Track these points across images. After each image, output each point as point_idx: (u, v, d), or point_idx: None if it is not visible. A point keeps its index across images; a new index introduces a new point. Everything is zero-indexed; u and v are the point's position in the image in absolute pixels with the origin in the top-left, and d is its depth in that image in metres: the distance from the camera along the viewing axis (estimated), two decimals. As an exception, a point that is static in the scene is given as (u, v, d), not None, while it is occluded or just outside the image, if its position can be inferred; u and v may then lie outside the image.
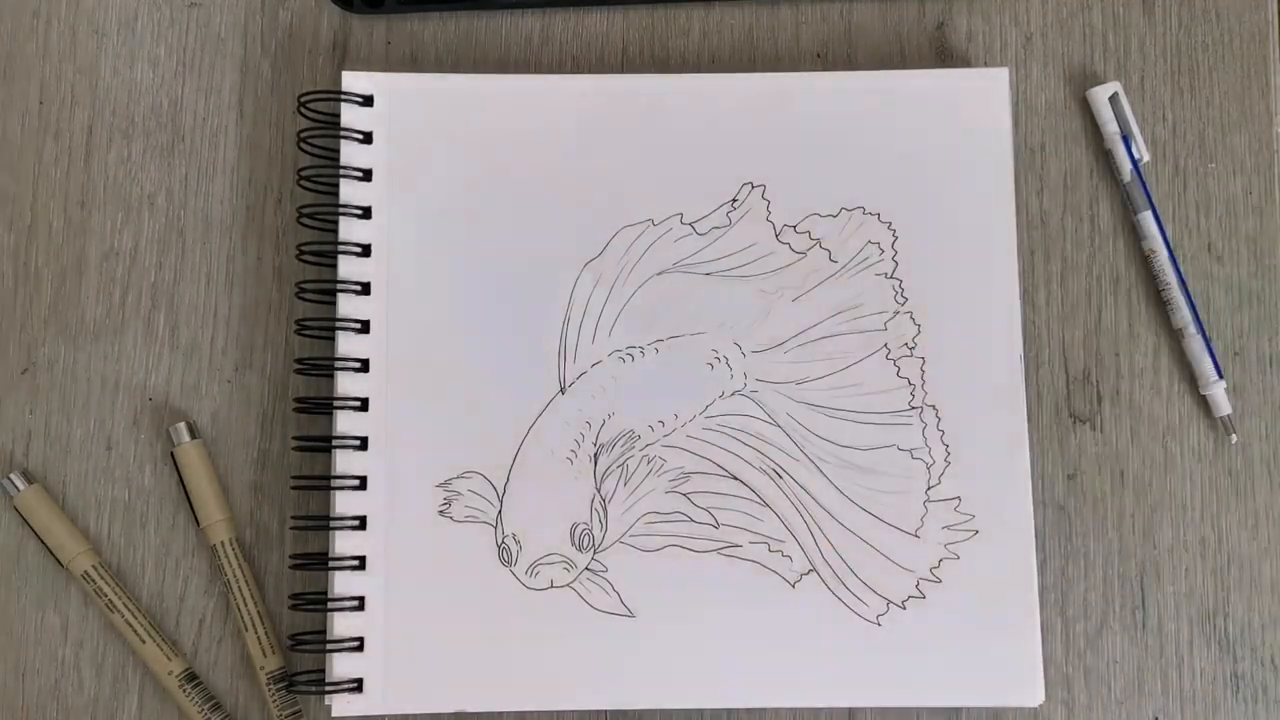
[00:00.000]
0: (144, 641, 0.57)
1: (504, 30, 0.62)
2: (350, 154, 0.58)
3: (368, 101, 0.59)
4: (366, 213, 0.58)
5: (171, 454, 0.58)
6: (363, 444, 0.56)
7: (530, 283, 0.58)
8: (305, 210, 0.58)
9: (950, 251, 0.58)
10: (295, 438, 0.58)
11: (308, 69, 0.62)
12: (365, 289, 0.57)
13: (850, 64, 0.61)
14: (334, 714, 0.55)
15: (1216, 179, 0.61)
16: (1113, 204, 0.61)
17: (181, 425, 0.58)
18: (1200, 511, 0.59)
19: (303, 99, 0.59)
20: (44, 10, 0.62)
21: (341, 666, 0.55)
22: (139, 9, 0.62)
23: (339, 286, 0.57)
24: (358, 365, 0.57)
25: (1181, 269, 0.60)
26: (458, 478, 0.57)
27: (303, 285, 0.57)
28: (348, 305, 0.57)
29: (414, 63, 0.62)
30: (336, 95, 0.59)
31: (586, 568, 0.56)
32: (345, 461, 0.56)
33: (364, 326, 0.57)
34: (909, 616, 0.56)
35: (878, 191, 0.58)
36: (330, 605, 0.55)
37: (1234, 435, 0.59)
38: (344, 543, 0.56)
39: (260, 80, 0.62)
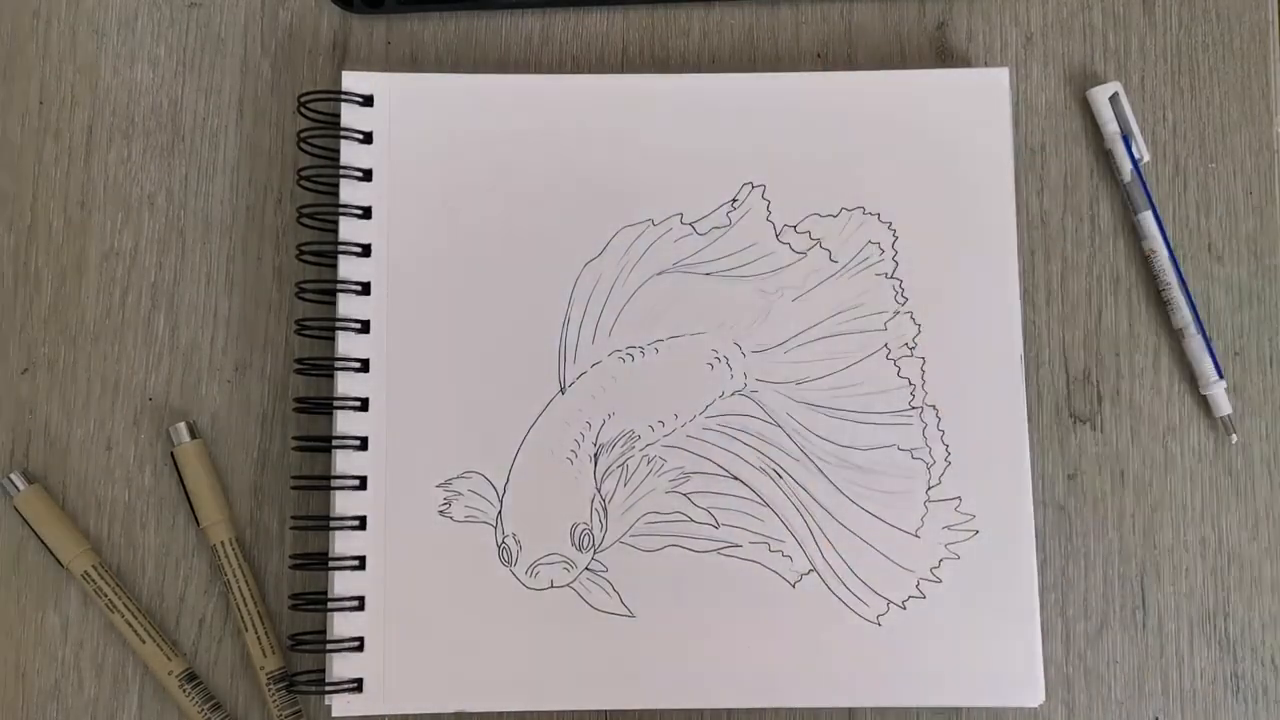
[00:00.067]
0: (144, 641, 0.57)
1: (504, 30, 0.62)
2: (350, 154, 0.58)
3: (368, 101, 0.59)
4: (366, 213, 0.58)
5: (171, 454, 0.58)
6: (363, 444, 0.56)
7: (530, 283, 0.58)
8: (305, 210, 0.58)
9: (950, 251, 0.58)
10: (295, 438, 0.58)
11: (308, 69, 0.62)
12: (365, 289, 0.57)
13: (850, 64, 0.62)
14: (334, 714, 0.55)
15: (1217, 179, 0.61)
16: (1113, 204, 0.61)
17: (181, 425, 0.58)
18: (1200, 511, 0.59)
19: (303, 99, 0.59)
20: (44, 10, 0.62)
21: (341, 666, 0.55)
22: (139, 9, 0.62)
23: (339, 286, 0.57)
24: (358, 365, 0.57)
25: (1182, 269, 0.60)
26: (458, 478, 0.57)
27: (303, 285, 0.57)
28: (348, 305, 0.57)
29: (414, 63, 0.62)
30: (336, 95, 0.59)
31: (586, 568, 0.56)
32: (345, 461, 0.56)
33: (364, 326, 0.57)
34: (909, 616, 0.56)
35: (878, 191, 0.58)
36: (330, 605, 0.55)
37: (1234, 435, 0.59)
38: (344, 543, 0.56)
39: (260, 80, 0.62)
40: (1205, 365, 0.59)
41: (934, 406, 0.57)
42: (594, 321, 0.58)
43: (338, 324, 0.57)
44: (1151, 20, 0.62)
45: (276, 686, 0.57)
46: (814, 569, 0.56)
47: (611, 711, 0.57)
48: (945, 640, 0.56)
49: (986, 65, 0.61)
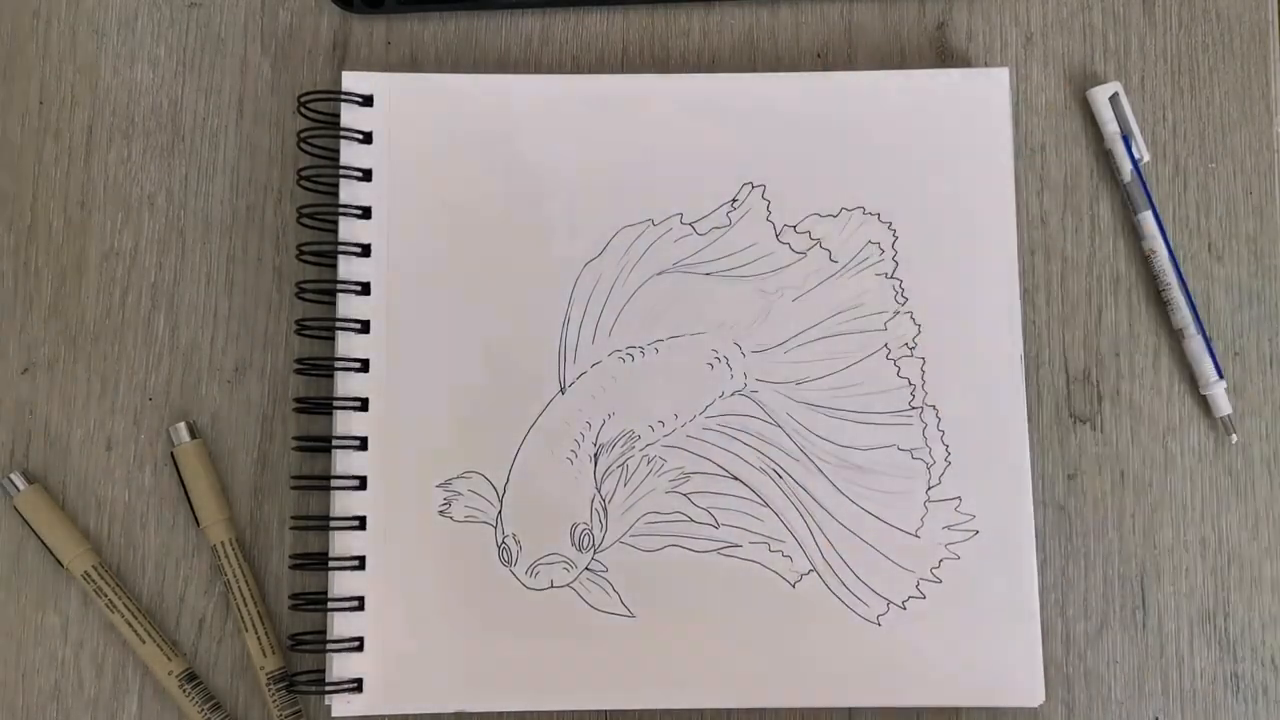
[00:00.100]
0: (144, 641, 0.57)
1: (504, 30, 0.62)
2: (350, 154, 0.58)
3: (368, 101, 0.59)
4: (366, 213, 0.58)
5: (171, 454, 0.58)
6: (363, 444, 0.56)
7: (530, 283, 0.58)
8: (305, 210, 0.58)
9: (950, 251, 0.58)
10: (295, 438, 0.58)
11: (308, 69, 0.62)
12: (365, 289, 0.57)
13: (850, 64, 0.61)
14: (334, 714, 0.55)
15: (1217, 179, 0.61)
16: (1113, 204, 0.61)
17: (181, 425, 0.58)
18: (1200, 511, 0.59)
19: (303, 99, 0.59)
20: (44, 10, 0.62)
21: (341, 666, 0.55)
22: (139, 9, 0.62)
23: (339, 286, 0.57)
24: (358, 365, 0.57)
25: (1181, 269, 0.60)
26: (458, 478, 0.57)
27: (303, 285, 0.57)
28: (348, 305, 0.57)
29: (414, 63, 0.62)
30: (336, 95, 0.59)
31: (586, 568, 0.56)
32: (345, 461, 0.56)
33: (364, 326, 0.57)
34: (909, 616, 0.56)
35: (878, 191, 0.58)
36: (330, 605, 0.55)
37: (1234, 435, 0.59)
38: (344, 543, 0.56)
39: (260, 80, 0.62)
40: (1205, 365, 0.59)
41: (934, 406, 0.57)
42: (594, 321, 0.58)
43: (338, 324, 0.57)
44: (1151, 20, 0.62)
45: (276, 686, 0.57)
46: (814, 569, 0.56)
47: (611, 711, 0.57)
48: (945, 640, 0.56)
49: (986, 65, 0.61)
